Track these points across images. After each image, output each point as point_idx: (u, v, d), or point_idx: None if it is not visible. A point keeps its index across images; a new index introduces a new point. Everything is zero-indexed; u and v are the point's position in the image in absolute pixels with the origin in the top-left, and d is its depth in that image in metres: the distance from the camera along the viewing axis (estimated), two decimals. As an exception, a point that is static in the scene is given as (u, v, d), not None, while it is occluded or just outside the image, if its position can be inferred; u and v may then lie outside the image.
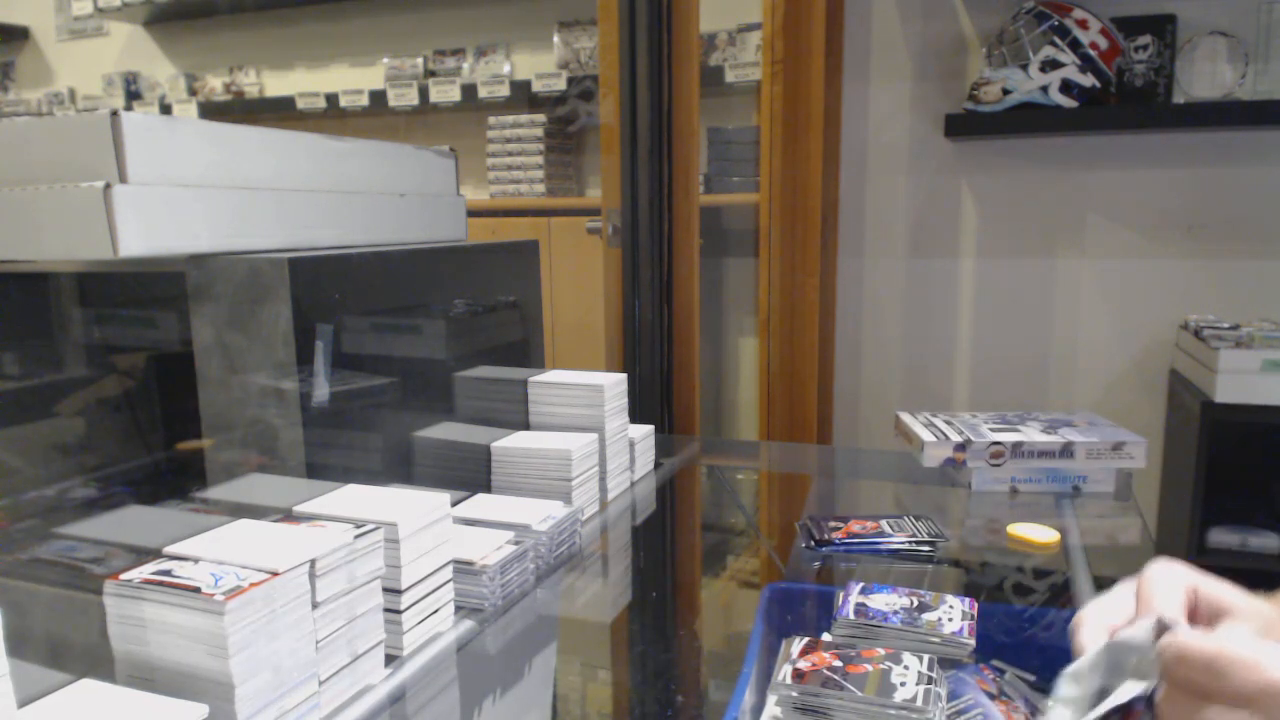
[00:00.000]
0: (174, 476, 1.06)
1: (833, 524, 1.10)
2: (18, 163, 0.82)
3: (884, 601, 0.84)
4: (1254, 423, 1.79)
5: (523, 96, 2.94)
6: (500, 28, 3.12)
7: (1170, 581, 0.55)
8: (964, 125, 2.13)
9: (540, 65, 3.02)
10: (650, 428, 1.37)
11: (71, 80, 3.82)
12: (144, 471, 1.08)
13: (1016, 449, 1.23)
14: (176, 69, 3.63)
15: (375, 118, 3.25)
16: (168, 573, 0.64)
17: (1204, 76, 2.02)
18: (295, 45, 3.43)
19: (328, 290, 0.92)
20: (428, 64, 3.19)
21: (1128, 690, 0.51)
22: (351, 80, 3.31)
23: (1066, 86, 1.99)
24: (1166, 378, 2.17)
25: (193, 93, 3.55)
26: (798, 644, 0.73)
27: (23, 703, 0.55)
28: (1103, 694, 0.52)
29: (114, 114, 0.78)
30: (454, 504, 1.01)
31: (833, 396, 2.47)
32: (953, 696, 0.72)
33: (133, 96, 3.62)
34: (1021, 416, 1.36)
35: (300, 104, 3.24)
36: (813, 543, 1.07)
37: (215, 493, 0.88)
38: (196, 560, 0.66)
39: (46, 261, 0.91)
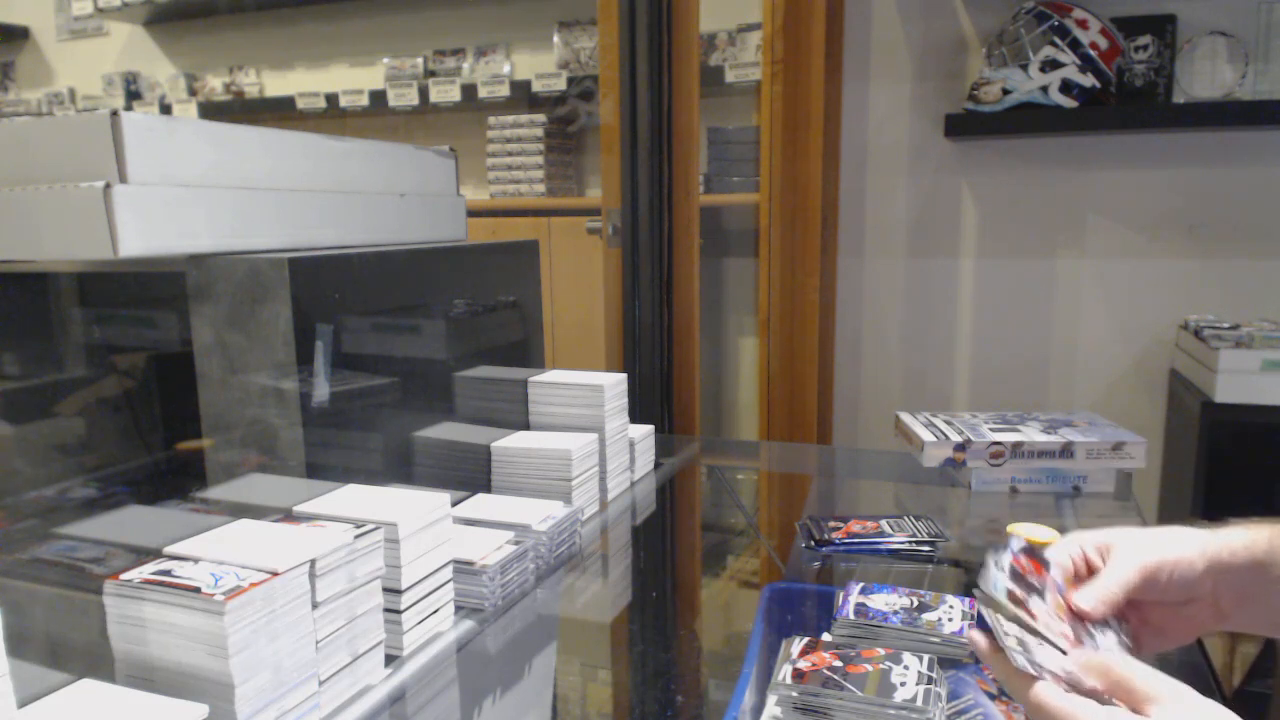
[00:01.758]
0: (174, 476, 1.06)
1: (833, 524, 1.10)
2: (18, 163, 0.82)
3: (884, 601, 0.84)
4: (1254, 423, 1.79)
5: (523, 96, 2.94)
6: (500, 28, 3.12)
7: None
8: (964, 125, 2.13)
9: (540, 65, 3.02)
10: (650, 428, 1.37)
11: (71, 80, 3.82)
12: (144, 471, 1.08)
13: (1016, 449, 1.23)
14: (176, 69, 3.63)
15: (375, 118, 3.24)
16: (168, 573, 0.64)
17: (1204, 76, 2.02)
18: (295, 45, 3.43)
19: (328, 290, 0.92)
20: (428, 64, 3.19)
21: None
22: (351, 80, 3.30)
23: (1066, 86, 1.99)
24: (1166, 378, 2.17)
25: (193, 93, 3.54)
26: (798, 644, 0.73)
27: (23, 703, 0.55)
28: None
29: (114, 114, 0.78)
30: (454, 504, 1.01)
31: (833, 396, 2.47)
32: (953, 696, 0.72)
33: (133, 96, 3.62)
34: (1021, 416, 1.36)
35: (300, 104, 3.24)
36: (813, 543, 1.07)
37: (215, 493, 0.88)
38: (196, 560, 0.66)
39: (46, 261, 0.91)
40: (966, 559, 1.10)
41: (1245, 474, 2.04)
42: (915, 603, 0.84)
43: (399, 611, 0.78)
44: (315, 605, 0.67)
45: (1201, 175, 2.09)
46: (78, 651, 0.68)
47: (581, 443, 1.12)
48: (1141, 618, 0.69)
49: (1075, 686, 0.54)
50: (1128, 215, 2.17)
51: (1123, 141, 2.14)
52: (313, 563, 0.67)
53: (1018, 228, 2.25)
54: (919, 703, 0.65)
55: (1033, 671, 0.54)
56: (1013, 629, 0.57)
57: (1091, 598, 0.64)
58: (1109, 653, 0.56)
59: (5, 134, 0.83)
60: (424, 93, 3.05)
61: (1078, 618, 0.62)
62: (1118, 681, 0.52)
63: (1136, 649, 0.66)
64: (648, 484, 1.33)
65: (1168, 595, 0.66)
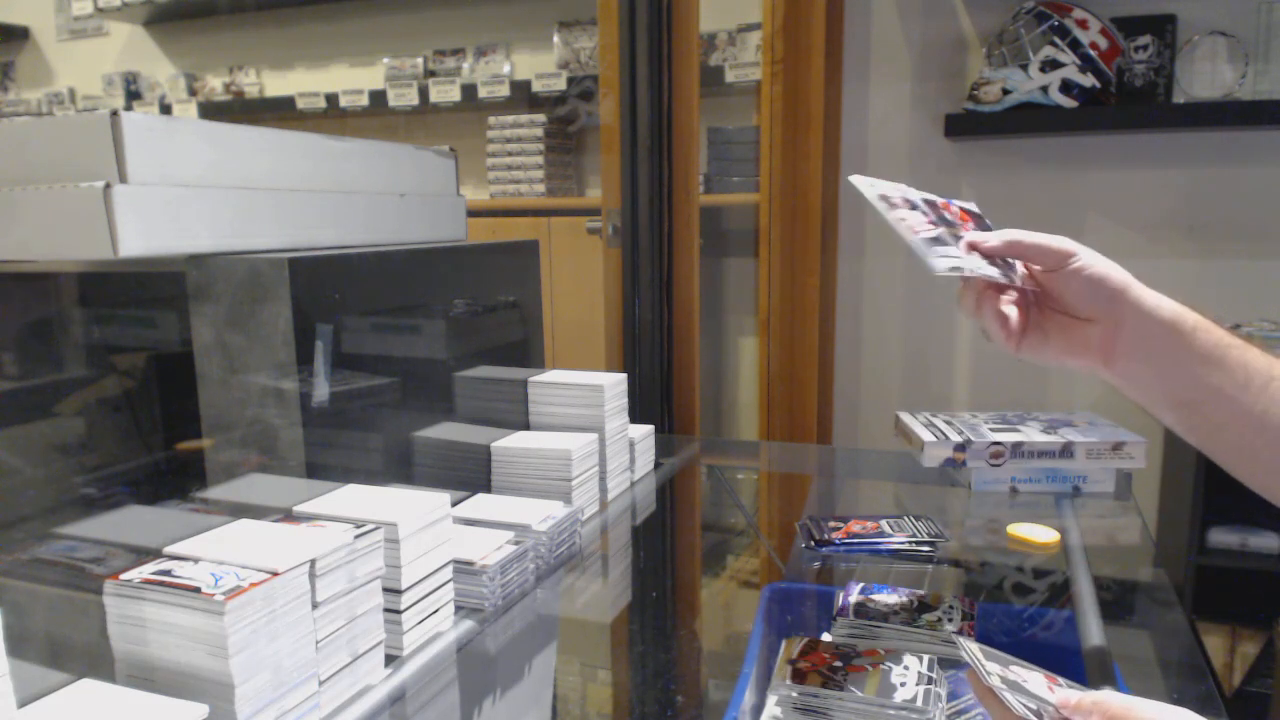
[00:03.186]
0: (174, 476, 1.06)
1: (833, 524, 1.10)
2: (18, 163, 0.82)
3: (884, 601, 0.84)
4: (1254, 423, 1.78)
5: (523, 96, 2.94)
6: (500, 28, 3.12)
7: None
8: (964, 125, 2.13)
9: (540, 65, 3.02)
10: (650, 428, 1.37)
11: (71, 80, 3.82)
12: (144, 471, 1.08)
13: (1016, 449, 1.23)
14: (176, 69, 3.63)
15: (375, 118, 3.24)
16: (168, 573, 0.64)
17: (1204, 76, 2.01)
18: (295, 45, 3.43)
19: (328, 290, 0.92)
20: (428, 64, 3.19)
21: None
22: (351, 80, 3.30)
23: (1066, 86, 1.99)
24: (1166, 378, 2.17)
25: (193, 93, 3.54)
26: (798, 644, 0.74)
27: (23, 703, 0.55)
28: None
29: (114, 114, 0.78)
30: (454, 504, 1.01)
31: (833, 396, 2.47)
32: (953, 696, 0.72)
33: (133, 96, 3.61)
34: (1021, 416, 1.36)
35: (300, 104, 3.23)
36: (813, 543, 1.07)
37: (215, 493, 0.88)
38: (196, 560, 0.66)
39: (46, 261, 0.91)
40: (966, 559, 1.10)
41: (1245, 474, 2.04)
42: (915, 603, 0.84)
43: (399, 611, 0.78)
44: (315, 605, 0.67)
45: (1201, 175, 2.09)
46: (78, 651, 0.68)
47: (581, 443, 1.12)
48: (1039, 317, 0.75)
49: None
50: (1128, 215, 2.17)
51: (1123, 141, 2.14)
52: (313, 563, 0.67)
53: (1018, 227, 2.25)
54: (919, 703, 0.65)
55: (1030, 716, 0.54)
56: (994, 667, 0.57)
57: (994, 235, 0.72)
58: (1104, 692, 0.56)
59: (5, 134, 0.83)
60: (424, 93, 3.05)
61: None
62: (1115, 716, 0.52)
63: (1022, 320, 0.73)
64: (648, 484, 1.33)
65: (1077, 296, 0.71)
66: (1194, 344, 0.69)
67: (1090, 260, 0.71)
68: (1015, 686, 0.56)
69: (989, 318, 0.73)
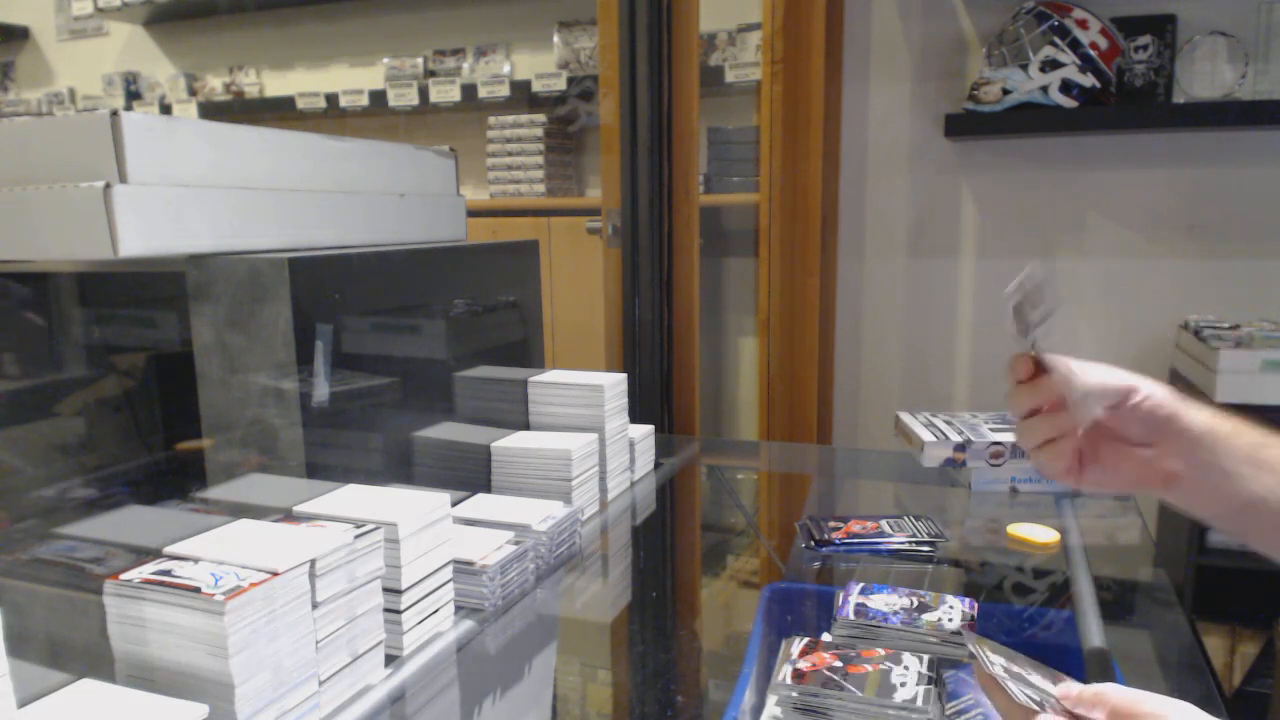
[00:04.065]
0: (174, 476, 1.06)
1: (833, 524, 1.10)
2: (18, 163, 0.82)
3: (884, 601, 0.84)
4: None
5: (523, 96, 2.93)
6: (500, 28, 3.12)
7: None
8: (964, 125, 2.13)
9: (540, 65, 3.02)
10: (650, 428, 1.37)
11: (71, 80, 3.82)
12: (144, 471, 1.08)
13: (1016, 449, 1.23)
14: (176, 69, 3.63)
15: (375, 118, 3.24)
16: (168, 573, 0.64)
17: (1204, 76, 2.01)
18: (295, 45, 3.43)
19: (328, 290, 0.92)
20: (428, 64, 3.19)
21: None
22: (351, 80, 3.30)
23: (1066, 86, 1.99)
24: (1167, 378, 2.17)
25: (193, 93, 3.54)
26: (798, 644, 0.74)
27: (23, 703, 0.55)
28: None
29: (114, 114, 0.78)
30: (454, 504, 1.01)
31: (833, 396, 2.47)
32: (953, 696, 0.72)
33: (133, 96, 3.61)
34: (1021, 416, 1.35)
35: (300, 104, 3.23)
36: (813, 543, 1.07)
37: (215, 493, 0.88)
38: (196, 560, 0.66)
39: (46, 261, 0.91)
40: (966, 559, 1.10)
41: (1245, 474, 2.04)
42: (915, 603, 0.84)
43: (399, 611, 0.78)
44: (315, 605, 0.67)
45: (1201, 175, 2.09)
46: (78, 651, 0.68)
47: (581, 443, 1.12)
48: (1094, 450, 0.73)
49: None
50: (1128, 215, 2.17)
51: (1123, 141, 2.14)
52: (313, 563, 0.67)
53: (1018, 228, 2.25)
54: (919, 703, 0.65)
55: (1033, 705, 0.54)
56: (998, 659, 0.57)
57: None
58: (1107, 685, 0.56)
59: (5, 134, 0.83)
60: (424, 93, 3.05)
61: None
62: (1118, 709, 0.52)
63: (1075, 455, 0.72)
64: (648, 484, 1.33)
65: (1135, 425, 0.71)
66: (1237, 448, 0.69)
67: (1148, 390, 0.71)
68: (1018, 677, 0.56)
69: (1057, 459, 0.73)
